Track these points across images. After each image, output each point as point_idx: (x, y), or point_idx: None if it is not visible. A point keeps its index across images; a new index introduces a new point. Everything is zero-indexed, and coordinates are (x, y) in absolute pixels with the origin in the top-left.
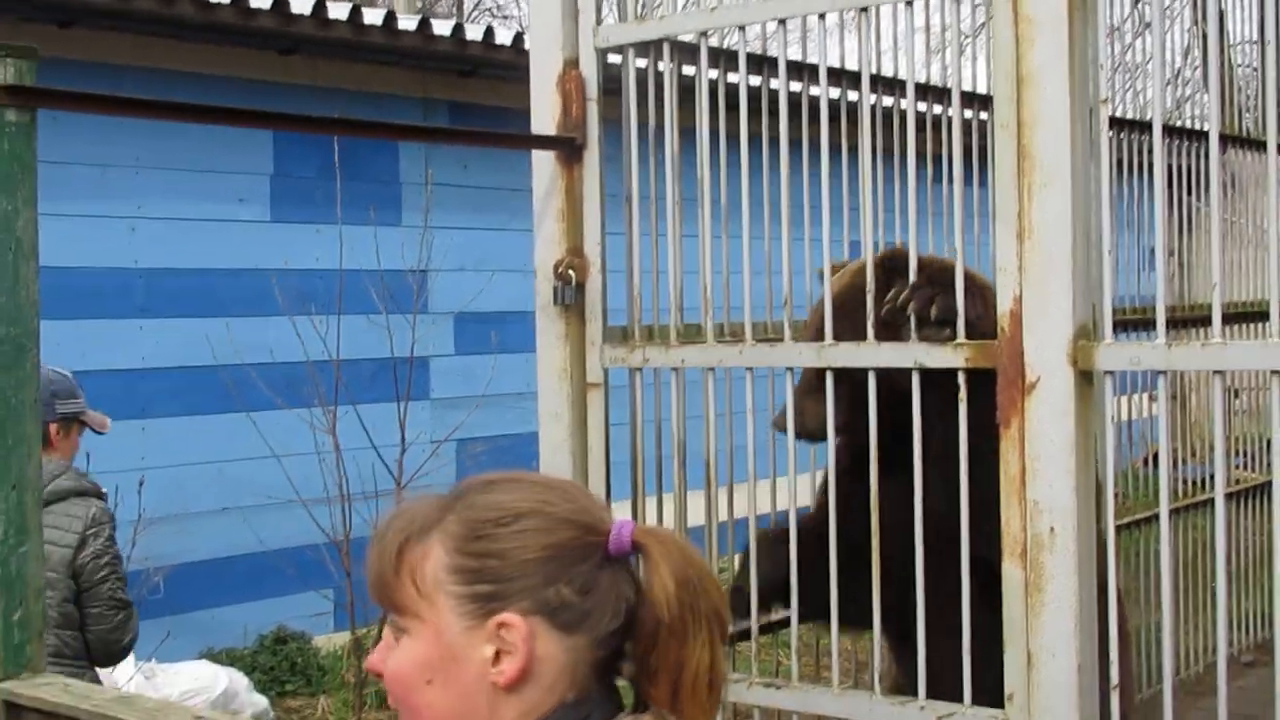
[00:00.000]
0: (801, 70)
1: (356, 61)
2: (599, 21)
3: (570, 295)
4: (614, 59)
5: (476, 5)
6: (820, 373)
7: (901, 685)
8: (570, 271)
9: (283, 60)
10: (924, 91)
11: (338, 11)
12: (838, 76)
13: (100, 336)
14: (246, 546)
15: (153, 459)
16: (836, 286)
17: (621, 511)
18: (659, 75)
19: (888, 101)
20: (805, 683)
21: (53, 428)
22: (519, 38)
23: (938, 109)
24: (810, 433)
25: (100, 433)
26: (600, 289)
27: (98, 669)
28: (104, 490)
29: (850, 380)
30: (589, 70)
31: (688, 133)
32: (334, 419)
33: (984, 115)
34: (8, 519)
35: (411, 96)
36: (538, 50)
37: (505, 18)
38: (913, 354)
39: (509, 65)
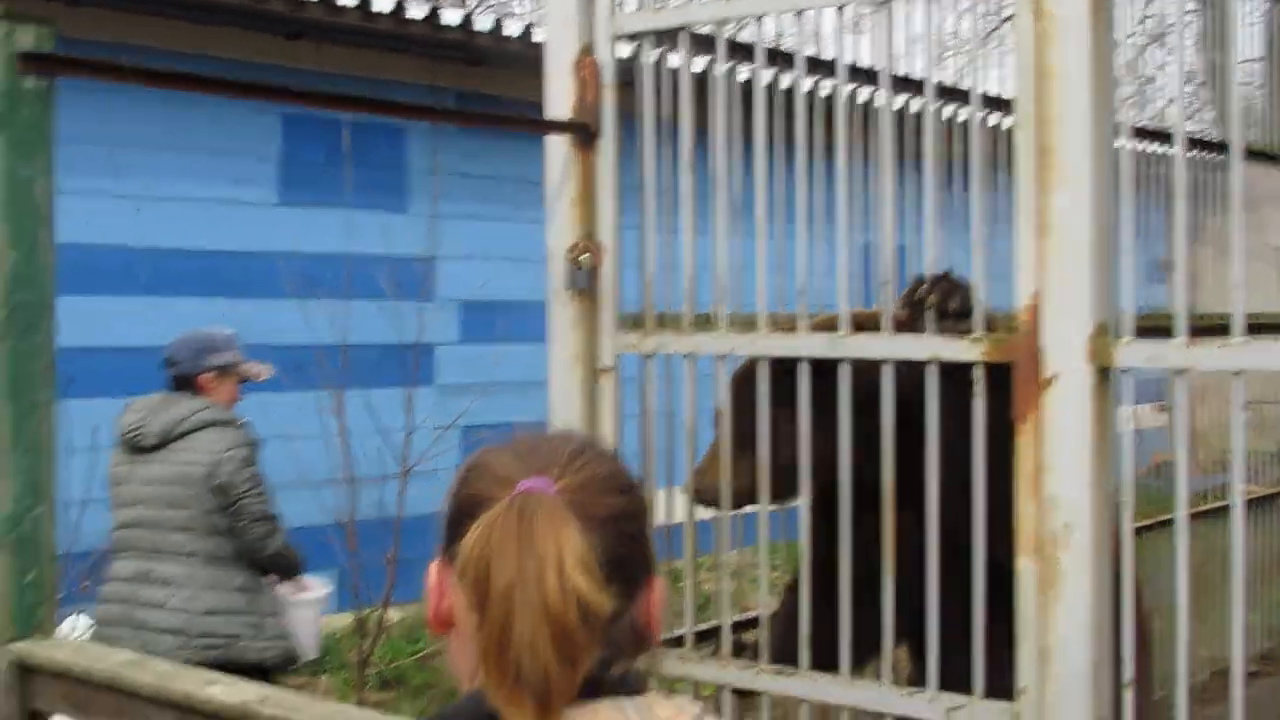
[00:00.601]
0: (818, 65)
1: (364, 48)
2: (616, 8)
3: (583, 281)
4: (631, 48)
5: (480, 1)
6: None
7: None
8: (584, 257)
9: (290, 45)
10: (941, 92)
11: None
12: (855, 73)
13: (106, 314)
14: None
15: None
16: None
17: None
18: (674, 65)
19: (903, 99)
20: (816, 671)
21: (201, 377)
22: (528, 29)
23: (949, 109)
24: (711, 499)
25: (258, 381)
26: (613, 275)
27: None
28: (243, 421)
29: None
30: (604, 57)
31: (703, 122)
32: (341, 402)
33: (993, 117)
34: (23, 482)
35: (419, 84)
36: (554, 35)
37: (508, 15)
38: (930, 346)
39: (517, 56)
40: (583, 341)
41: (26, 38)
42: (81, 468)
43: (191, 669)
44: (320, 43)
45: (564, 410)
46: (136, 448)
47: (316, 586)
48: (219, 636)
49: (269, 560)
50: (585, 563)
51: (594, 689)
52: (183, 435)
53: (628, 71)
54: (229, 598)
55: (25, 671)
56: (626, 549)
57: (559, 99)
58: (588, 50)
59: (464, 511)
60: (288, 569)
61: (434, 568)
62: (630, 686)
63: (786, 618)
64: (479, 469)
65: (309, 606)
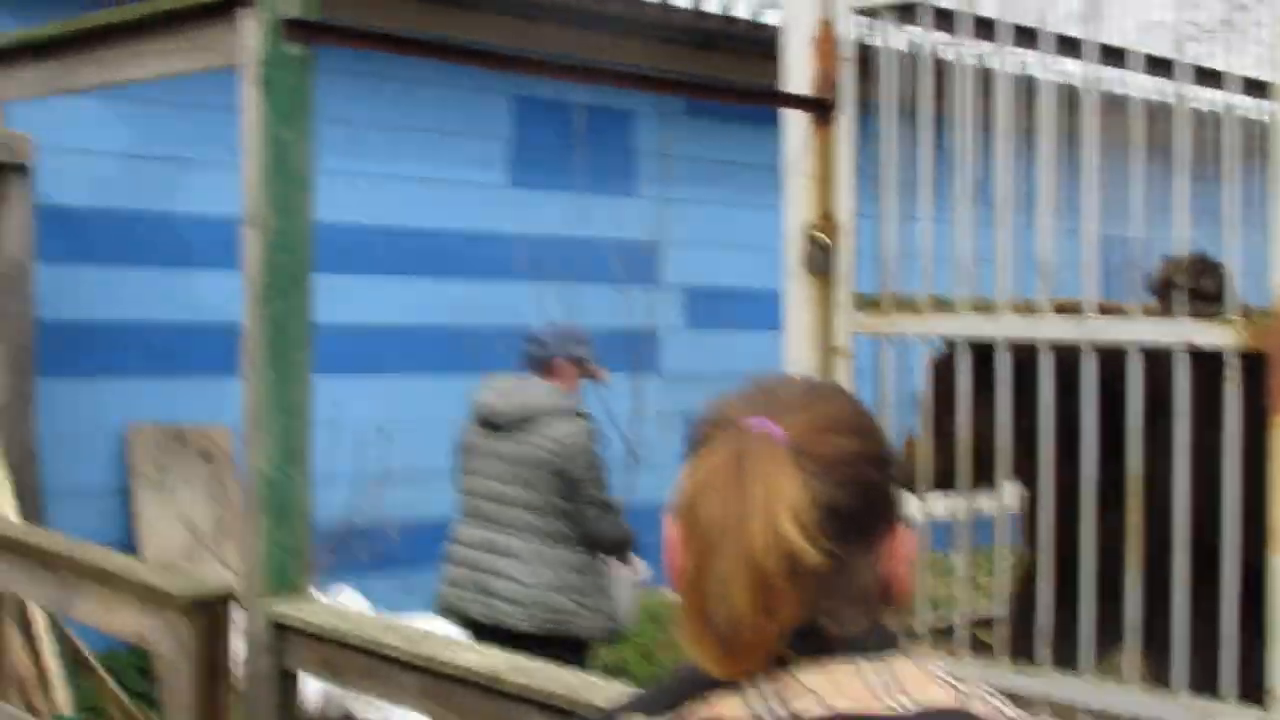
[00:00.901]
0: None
1: (597, 30)
2: None
3: (820, 259)
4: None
5: None
6: (940, 422)
7: None
8: (821, 235)
9: (525, 27)
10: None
11: None
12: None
13: (339, 292)
14: None
15: (390, 414)
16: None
17: None
18: (912, 42)
19: (1149, 82)
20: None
21: (559, 361)
22: (758, 12)
23: (1195, 92)
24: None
25: (597, 382)
26: (850, 253)
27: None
28: (585, 411)
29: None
30: (843, 31)
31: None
32: None
33: (1238, 103)
34: (280, 444)
35: (650, 68)
36: (792, 9)
37: None
38: (1181, 330)
39: (746, 39)
40: (818, 321)
41: (291, 5)
42: (321, 442)
43: (438, 635)
44: (554, 25)
45: None
46: (490, 425)
47: (641, 567)
48: (555, 611)
49: (601, 542)
50: (798, 510)
51: (827, 646)
52: (533, 419)
53: (865, 51)
54: (566, 575)
55: (280, 629)
56: (860, 495)
57: (797, 74)
58: (827, 24)
59: (691, 455)
60: (619, 550)
61: (671, 520)
62: (870, 645)
63: (1018, 617)
64: (710, 414)
65: (628, 583)
